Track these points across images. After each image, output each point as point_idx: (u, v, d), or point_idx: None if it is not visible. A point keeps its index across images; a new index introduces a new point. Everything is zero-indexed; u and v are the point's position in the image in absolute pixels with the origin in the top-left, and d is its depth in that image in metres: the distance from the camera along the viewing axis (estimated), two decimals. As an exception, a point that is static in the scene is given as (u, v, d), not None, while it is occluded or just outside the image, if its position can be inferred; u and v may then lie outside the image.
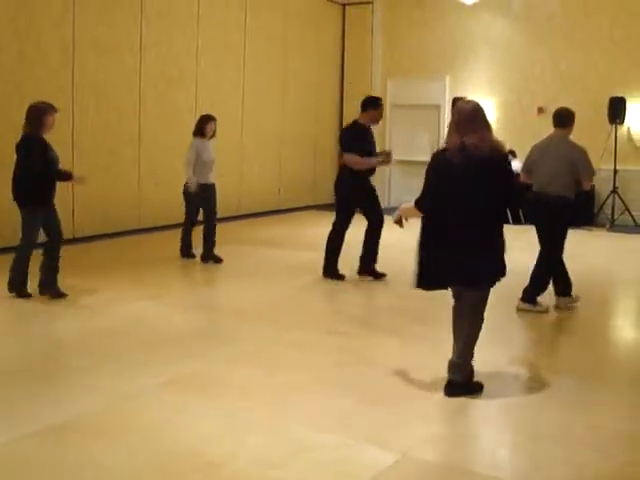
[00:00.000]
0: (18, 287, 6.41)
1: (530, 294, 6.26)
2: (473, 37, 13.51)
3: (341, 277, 7.44)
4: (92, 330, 5.69)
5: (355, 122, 7.58)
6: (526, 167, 6.58)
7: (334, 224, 7.56)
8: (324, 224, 12.40)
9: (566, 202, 6.19)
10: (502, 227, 4.42)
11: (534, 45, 13.00)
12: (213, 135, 8.38)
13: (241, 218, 11.96)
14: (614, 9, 12.30)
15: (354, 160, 7.32)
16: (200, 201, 8.30)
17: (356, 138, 7.41)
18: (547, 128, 12.59)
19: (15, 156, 6.34)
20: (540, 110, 12.99)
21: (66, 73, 9.32)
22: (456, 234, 4.34)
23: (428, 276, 4.48)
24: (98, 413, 4.06)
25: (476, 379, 4.50)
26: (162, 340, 5.42)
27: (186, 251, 8.45)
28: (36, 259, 6.43)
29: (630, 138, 12.32)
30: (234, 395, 4.37)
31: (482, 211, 4.31)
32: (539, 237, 6.32)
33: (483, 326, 4.61)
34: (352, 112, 15.04)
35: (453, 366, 4.42)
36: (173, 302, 6.59)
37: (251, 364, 4.94)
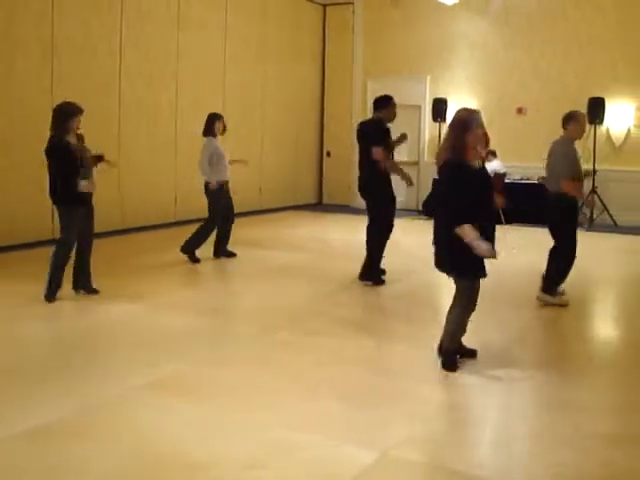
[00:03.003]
0: None
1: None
2: (453, 38, 13.57)
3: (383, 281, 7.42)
4: (76, 331, 5.67)
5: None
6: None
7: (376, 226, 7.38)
8: (305, 224, 12.52)
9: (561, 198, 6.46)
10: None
11: (513, 46, 13.08)
12: (222, 132, 8.56)
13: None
14: (592, 11, 12.40)
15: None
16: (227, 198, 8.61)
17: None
18: (527, 128, 12.86)
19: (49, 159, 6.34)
20: (519, 110, 13.10)
21: (45, 74, 9.25)
22: (435, 225, 4.89)
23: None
24: (82, 415, 4.04)
25: (460, 377, 4.55)
26: (146, 341, 5.39)
27: (224, 251, 8.61)
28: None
29: (609, 138, 12.43)
30: (217, 396, 4.36)
31: (445, 210, 4.72)
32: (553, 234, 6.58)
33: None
34: (333, 112, 15.15)
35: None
36: (157, 303, 6.56)
37: (234, 365, 4.93)
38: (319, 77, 15.04)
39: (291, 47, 14.06)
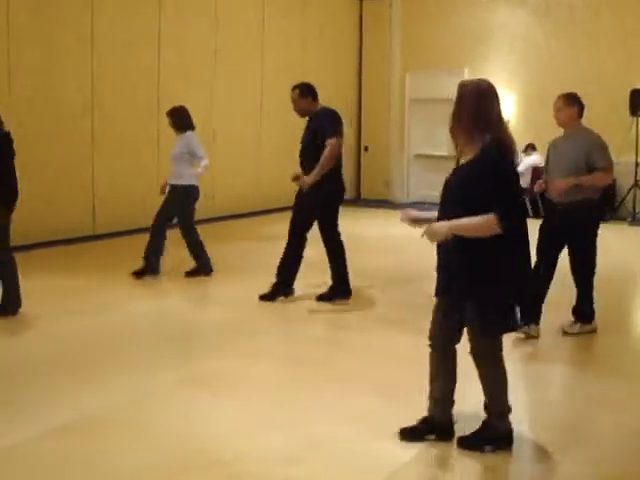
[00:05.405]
0: None
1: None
2: (492, 30, 13.41)
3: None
4: (109, 328, 5.71)
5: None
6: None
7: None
8: (341, 219, 12.37)
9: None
10: None
11: (554, 37, 12.88)
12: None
13: (256, 215, 11.98)
14: (636, 1, 12.17)
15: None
16: None
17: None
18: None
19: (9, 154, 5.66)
20: (560, 103, 12.89)
21: (85, 71, 9.36)
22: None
23: None
24: (113, 411, 4.08)
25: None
26: (178, 336, 5.44)
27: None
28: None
29: (651, 130, 12.18)
30: (251, 391, 4.38)
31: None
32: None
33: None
34: (371, 107, 15.10)
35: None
36: (183, 299, 6.60)
37: (267, 360, 4.95)
38: (356, 71, 14.99)
39: (328, 42, 14.02)
